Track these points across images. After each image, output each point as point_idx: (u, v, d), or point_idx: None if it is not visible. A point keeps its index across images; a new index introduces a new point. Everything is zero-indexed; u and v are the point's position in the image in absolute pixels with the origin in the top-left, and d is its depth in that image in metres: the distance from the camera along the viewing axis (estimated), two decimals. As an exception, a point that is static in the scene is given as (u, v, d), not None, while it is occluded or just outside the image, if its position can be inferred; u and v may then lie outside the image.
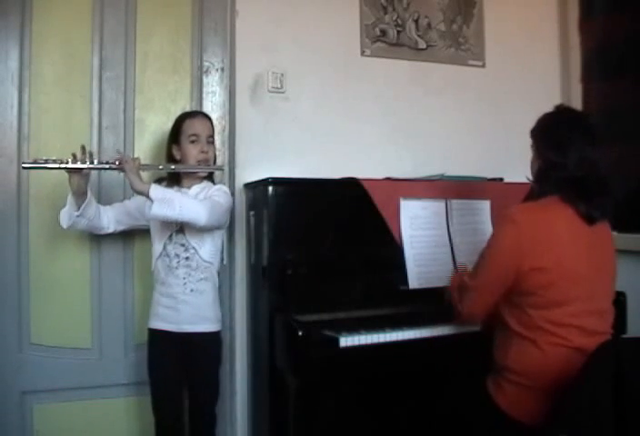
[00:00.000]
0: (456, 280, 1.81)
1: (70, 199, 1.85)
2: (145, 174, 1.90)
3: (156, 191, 1.74)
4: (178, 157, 1.97)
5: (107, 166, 1.80)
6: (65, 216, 1.87)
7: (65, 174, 1.81)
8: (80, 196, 1.83)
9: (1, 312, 2.05)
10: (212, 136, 2.01)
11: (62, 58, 2.13)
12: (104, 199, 2.08)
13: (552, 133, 1.62)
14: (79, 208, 1.84)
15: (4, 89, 2.06)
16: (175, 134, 1.98)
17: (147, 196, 1.73)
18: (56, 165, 1.76)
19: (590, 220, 1.56)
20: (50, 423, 2.09)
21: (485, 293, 1.63)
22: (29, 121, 2.09)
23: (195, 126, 1.96)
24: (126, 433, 2.18)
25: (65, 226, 1.88)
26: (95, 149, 2.14)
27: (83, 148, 1.78)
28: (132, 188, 1.79)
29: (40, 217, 2.06)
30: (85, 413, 2.12)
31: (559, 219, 1.57)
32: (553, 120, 1.65)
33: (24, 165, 1.79)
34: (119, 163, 1.78)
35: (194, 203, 1.80)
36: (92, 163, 1.78)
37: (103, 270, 2.16)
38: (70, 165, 1.76)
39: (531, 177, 1.70)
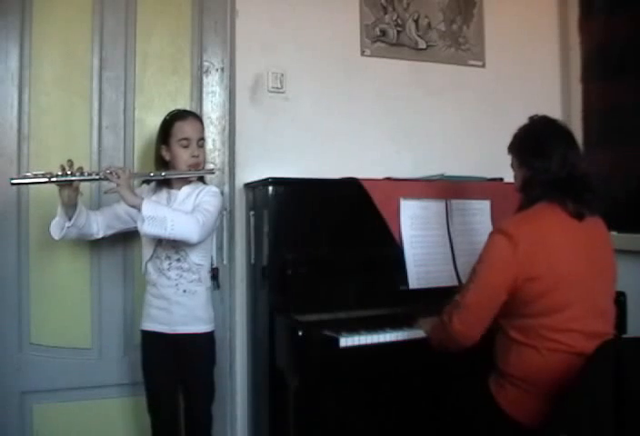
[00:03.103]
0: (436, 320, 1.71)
1: (60, 211, 1.82)
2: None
3: (148, 207, 1.71)
4: (168, 158, 1.93)
5: (97, 177, 1.77)
6: (57, 228, 1.83)
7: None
8: (71, 207, 1.80)
9: (1, 312, 2.05)
10: (202, 139, 1.97)
11: (62, 58, 2.12)
12: (103, 203, 2.07)
13: (531, 141, 1.65)
14: (70, 219, 1.80)
15: (4, 89, 2.06)
16: (165, 136, 1.93)
17: (139, 211, 1.71)
18: (45, 179, 1.71)
19: (580, 216, 1.57)
20: (49, 423, 2.09)
21: (479, 310, 1.56)
22: (29, 121, 2.08)
23: (185, 130, 1.91)
24: (126, 433, 2.18)
25: (56, 238, 1.84)
26: (95, 149, 2.15)
27: (70, 162, 1.74)
28: (124, 202, 1.76)
29: (40, 217, 2.05)
30: (84, 413, 2.12)
31: (551, 224, 1.57)
32: (528, 130, 1.68)
33: (12, 181, 1.74)
34: (109, 175, 1.75)
35: (186, 221, 1.76)
36: (82, 174, 1.74)
37: (102, 270, 2.16)
38: (60, 178, 1.72)
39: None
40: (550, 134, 1.63)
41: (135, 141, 2.19)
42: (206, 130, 2.26)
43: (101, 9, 2.15)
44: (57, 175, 1.72)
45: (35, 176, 1.72)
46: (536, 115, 1.71)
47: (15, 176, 1.81)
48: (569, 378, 1.41)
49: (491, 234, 1.61)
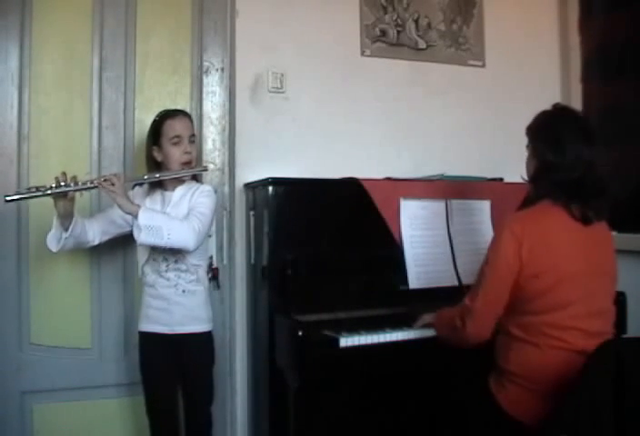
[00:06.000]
0: (444, 316, 1.76)
1: (56, 222, 1.80)
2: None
3: (145, 216, 1.70)
4: (160, 159, 1.92)
5: (92, 186, 1.74)
6: (54, 240, 1.82)
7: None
8: (67, 218, 1.78)
9: (1, 312, 2.05)
10: (194, 135, 1.96)
11: (62, 58, 2.12)
12: (103, 208, 2.07)
13: (549, 131, 1.60)
14: (67, 229, 1.79)
15: (4, 89, 2.06)
16: (156, 136, 1.92)
17: (136, 219, 1.70)
18: (40, 193, 1.69)
19: (585, 221, 1.56)
20: (49, 423, 2.09)
21: (489, 312, 1.59)
22: (29, 121, 2.08)
23: (176, 127, 1.90)
24: (125, 433, 2.18)
25: (55, 250, 1.82)
26: (95, 149, 2.15)
27: (64, 174, 1.72)
28: (121, 210, 1.75)
29: (40, 217, 2.04)
30: (84, 413, 2.12)
31: (555, 223, 1.57)
32: (550, 118, 1.64)
33: (6, 198, 1.69)
34: (104, 183, 1.73)
35: (182, 229, 1.76)
36: (76, 184, 1.72)
37: (102, 270, 2.16)
38: (54, 190, 1.69)
39: (526, 177, 1.69)
40: (567, 126, 1.58)
41: (135, 141, 2.19)
42: (206, 130, 2.27)
43: (101, 9, 2.16)
44: (51, 188, 1.70)
45: (29, 191, 1.71)
46: (560, 104, 1.67)
47: (9, 193, 1.75)
48: (569, 376, 1.42)
49: (497, 233, 1.62)
